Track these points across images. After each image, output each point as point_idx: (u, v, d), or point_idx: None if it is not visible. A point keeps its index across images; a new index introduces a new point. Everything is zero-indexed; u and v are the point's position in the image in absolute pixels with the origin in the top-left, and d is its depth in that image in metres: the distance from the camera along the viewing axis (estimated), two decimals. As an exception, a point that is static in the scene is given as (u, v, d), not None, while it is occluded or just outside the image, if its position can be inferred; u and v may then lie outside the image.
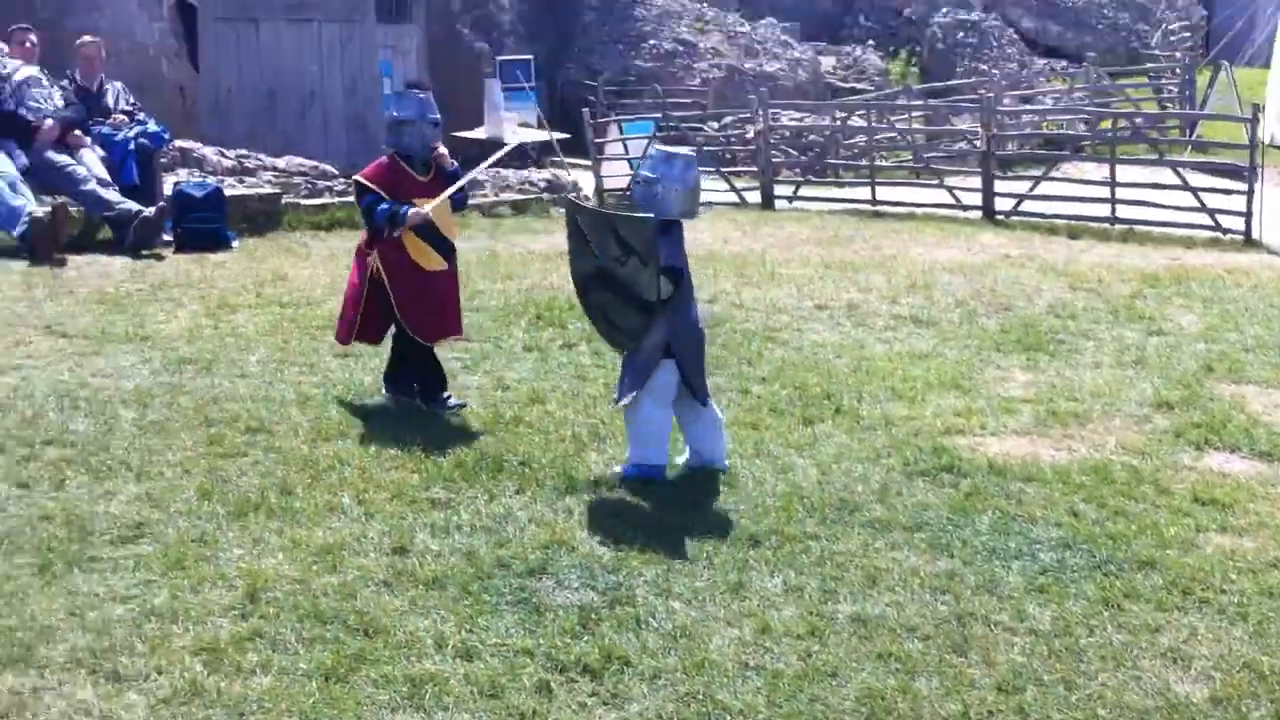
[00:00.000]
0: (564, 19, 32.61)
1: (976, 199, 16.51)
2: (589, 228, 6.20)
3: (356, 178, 7.24)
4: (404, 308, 7.04)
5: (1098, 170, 17.90)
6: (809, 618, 4.94)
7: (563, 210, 16.78)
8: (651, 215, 6.03)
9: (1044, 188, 16.55)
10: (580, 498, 6.02)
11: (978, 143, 18.08)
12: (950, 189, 17.12)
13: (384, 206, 6.91)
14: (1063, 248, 13.61)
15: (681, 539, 5.61)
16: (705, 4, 34.44)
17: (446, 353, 8.28)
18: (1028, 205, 16.20)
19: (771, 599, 5.09)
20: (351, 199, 14.27)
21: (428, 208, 6.94)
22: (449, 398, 7.25)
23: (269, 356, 8.04)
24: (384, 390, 7.33)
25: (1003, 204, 16.25)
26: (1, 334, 8.30)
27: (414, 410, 7.15)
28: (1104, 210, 15.63)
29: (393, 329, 7.23)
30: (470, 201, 15.93)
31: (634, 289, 6.02)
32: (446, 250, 7.21)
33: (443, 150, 7.18)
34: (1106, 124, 20.08)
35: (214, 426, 6.74)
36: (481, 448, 6.55)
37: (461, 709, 4.24)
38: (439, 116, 7.15)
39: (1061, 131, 21.60)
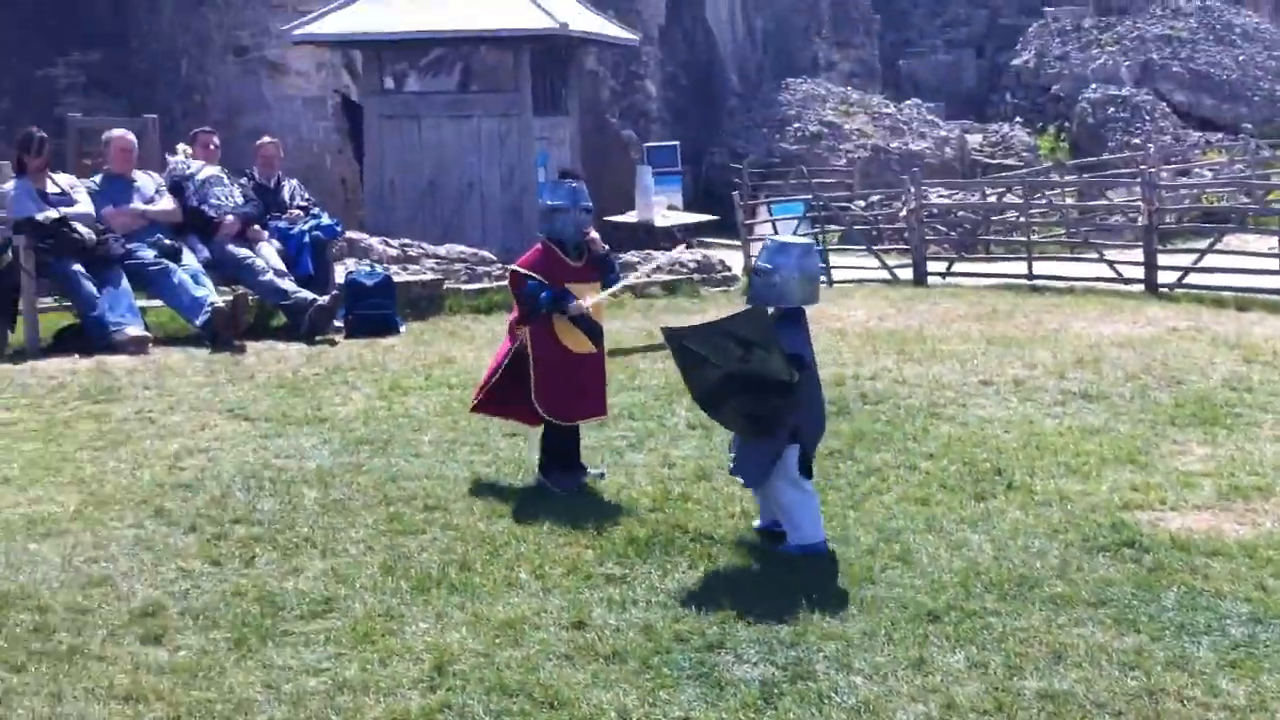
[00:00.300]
0: (709, 105, 33.12)
1: (1138, 272, 16.17)
2: (701, 344, 6.25)
3: (513, 267, 7.42)
4: (540, 389, 7.19)
5: (1261, 241, 17.40)
6: (995, 694, 4.86)
7: (710, 289, 16.99)
8: (755, 305, 6.29)
9: (1208, 260, 16.15)
10: (753, 573, 6.04)
11: (1135, 216, 17.77)
12: (1110, 263, 16.81)
13: (546, 294, 7.07)
14: (1232, 320, 13.23)
15: (858, 614, 5.58)
16: (850, 87, 34.64)
17: (612, 431, 8.43)
18: (1192, 278, 15.82)
19: (955, 674, 5.02)
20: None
21: (589, 301, 7.18)
22: (586, 467, 7.46)
23: (441, 437, 8.26)
24: (548, 483, 7.30)
25: (1165, 277, 15.89)
26: (189, 417, 8.69)
27: (582, 489, 7.25)
28: (1273, 282, 15.15)
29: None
30: (623, 283, 16.25)
31: (767, 377, 6.08)
32: (596, 334, 7.38)
33: (594, 235, 7.35)
34: (1274, 195, 19.53)
35: (393, 505, 6.93)
36: (653, 524, 6.62)
37: (649, 781, 4.27)
38: (590, 204, 7.35)
39: (1225, 204, 21.06)
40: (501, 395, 7.43)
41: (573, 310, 7.11)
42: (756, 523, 6.61)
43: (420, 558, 6.21)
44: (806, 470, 6.39)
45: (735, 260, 18.99)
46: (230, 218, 12.02)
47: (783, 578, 5.98)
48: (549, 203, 7.34)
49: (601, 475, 7.43)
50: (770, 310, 6.27)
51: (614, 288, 7.37)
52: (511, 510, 6.87)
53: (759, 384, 6.12)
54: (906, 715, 4.71)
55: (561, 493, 7.15)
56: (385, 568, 6.07)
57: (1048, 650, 5.23)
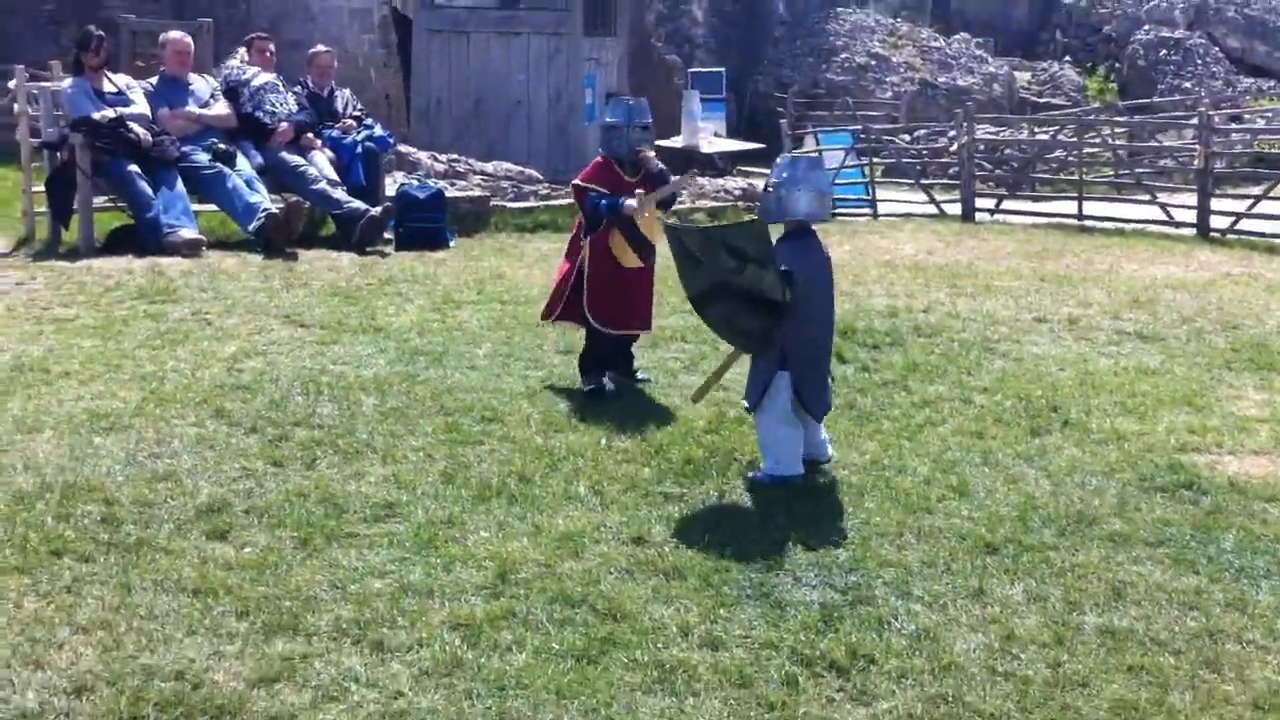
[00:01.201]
0: (755, 33, 32.74)
1: (1190, 216, 16.00)
2: (698, 248, 6.18)
3: (575, 181, 7.67)
4: (592, 300, 7.45)
5: (1318, 189, 17.18)
6: (1054, 627, 4.89)
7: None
8: (755, 218, 6.16)
9: (1262, 207, 15.96)
10: (810, 499, 6.06)
11: (1187, 159, 17.54)
12: (1163, 205, 16.63)
13: (605, 201, 7.35)
14: (1286, 267, 13.10)
15: (916, 543, 5.60)
16: (898, 19, 34.17)
17: (665, 352, 8.43)
18: (1244, 224, 15.65)
19: (1014, 606, 5.04)
20: (557, 202, 14.64)
21: (636, 202, 7.33)
22: (636, 370, 7.81)
23: (495, 350, 8.28)
24: (581, 379, 7.61)
25: (1217, 221, 15.72)
26: (245, 321, 8.73)
27: (638, 405, 7.28)
28: (1328, 230, 15.00)
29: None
30: (672, 206, 16.19)
31: (757, 293, 6.01)
32: (646, 251, 7.57)
33: (648, 153, 7.49)
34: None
35: (450, 415, 6.97)
36: (709, 445, 6.64)
37: (712, 696, 4.32)
38: (648, 121, 7.51)
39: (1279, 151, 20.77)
40: (570, 305, 7.61)
41: (628, 209, 7.30)
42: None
43: (479, 468, 6.25)
44: (817, 405, 6.28)
45: (781, 189, 18.85)
46: (284, 125, 11.99)
47: (839, 505, 6.00)
48: (607, 120, 7.58)
49: (646, 379, 7.77)
50: (781, 225, 6.20)
51: (664, 190, 7.44)
52: (568, 425, 6.90)
53: (748, 298, 6.06)
54: (966, 644, 4.74)
55: (583, 389, 7.48)
56: (445, 476, 6.12)
57: (1106, 587, 5.25)
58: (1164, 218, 16.44)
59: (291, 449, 6.39)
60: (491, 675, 4.38)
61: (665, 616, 4.84)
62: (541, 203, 14.98)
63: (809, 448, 6.35)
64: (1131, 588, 5.24)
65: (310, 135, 12.17)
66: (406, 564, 5.20)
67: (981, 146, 19.41)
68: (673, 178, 7.70)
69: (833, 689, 4.41)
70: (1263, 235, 15.14)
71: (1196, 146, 16.84)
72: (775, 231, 6.12)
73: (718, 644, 4.66)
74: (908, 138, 25.11)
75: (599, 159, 7.58)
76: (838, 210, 18.78)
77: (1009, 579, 5.27)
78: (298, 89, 12.57)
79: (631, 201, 7.31)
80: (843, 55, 31.58)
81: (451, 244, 12.20)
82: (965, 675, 4.51)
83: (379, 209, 11.65)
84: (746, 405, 6.43)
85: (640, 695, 4.31)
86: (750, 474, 6.28)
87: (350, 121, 12.58)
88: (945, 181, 20.36)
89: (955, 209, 17.91)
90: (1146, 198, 17.38)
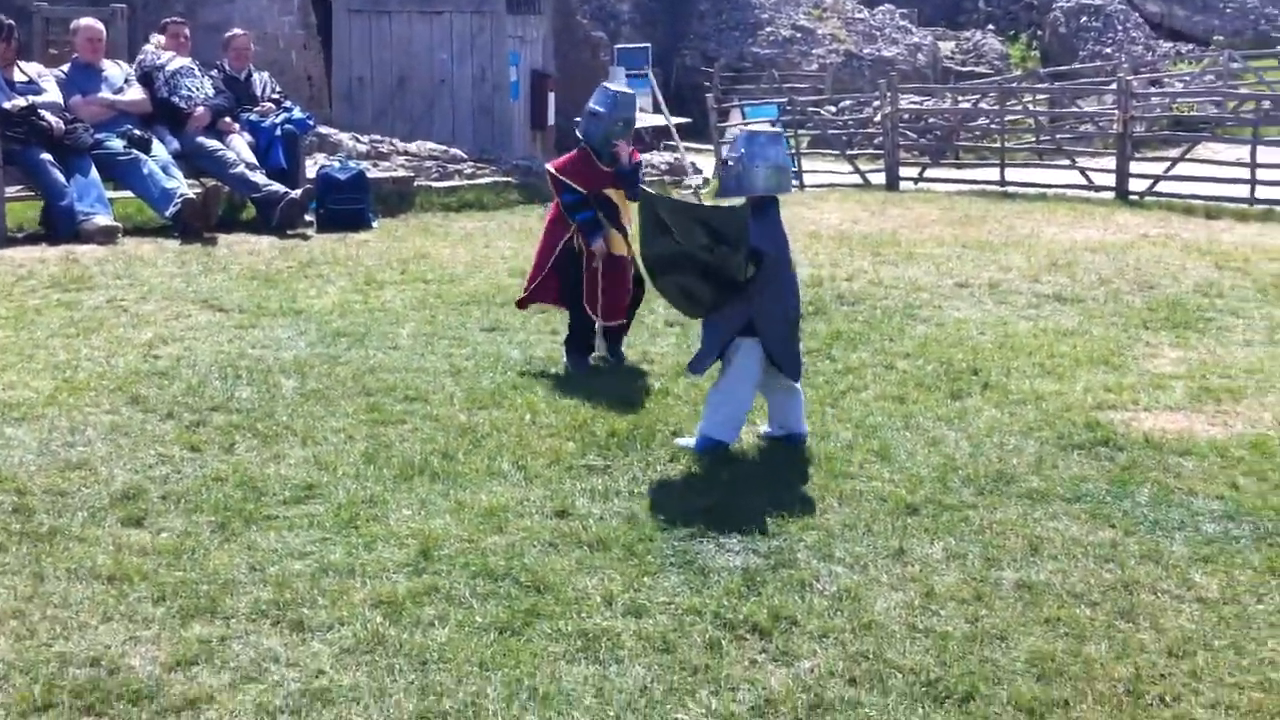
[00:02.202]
0: (679, 8, 32.74)
1: (1109, 179, 16.22)
2: (671, 216, 6.16)
3: (549, 168, 7.63)
4: (592, 289, 7.48)
5: (1232, 151, 17.49)
6: (973, 583, 4.94)
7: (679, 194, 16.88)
8: (744, 205, 6.07)
9: (1179, 169, 16.22)
10: (734, 467, 6.08)
11: (1107, 124, 17.77)
12: (1083, 170, 16.84)
13: (586, 214, 7.35)
14: (1202, 228, 13.33)
15: (838, 506, 5.64)
16: (823, -10, 34.30)
17: (590, 327, 8.41)
18: (1162, 186, 15.89)
19: (933, 565, 5.10)
20: (482, 181, 14.57)
21: (599, 248, 7.40)
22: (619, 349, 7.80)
23: (419, 330, 8.23)
24: (565, 358, 7.64)
25: (1136, 185, 15.96)
26: (162, 307, 8.60)
27: (562, 381, 7.26)
28: (1243, 191, 15.27)
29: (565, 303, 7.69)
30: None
31: (722, 271, 6.01)
32: (624, 236, 7.55)
33: (623, 148, 7.36)
34: (1249, 105, 19.56)
35: (372, 395, 6.92)
36: (634, 418, 6.64)
37: (636, 662, 4.33)
38: (631, 115, 7.46)
39: (1197, 113, 21.09)
40: (545, 285, 7.64)
41: (596, 248, 7.37)
42: (763, 429, 6.50)
43: (401, 447, 6.21)
44: (795, 368, 6.31)
45: (706, 163, 18.90)
46: (201, 109, 11.80)
47: (762, 472, 6.03)
48: (591, 106, 7.43)
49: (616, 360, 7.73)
50: (740, 201, 6.19)
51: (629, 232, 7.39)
52: (492, 402, 6.88)
53: (708, 273, 6.07)
54: (886, 602, 4.78)
55: (576, 373, 7.48)
56: (367, 456, 6.07)
57: (1024, 543, 5.32)
58: (1084, 182, 16.65)
59: (209, 434, 6.32)
60: (414, 651, 4.36)
61: (589, 587, 4.84)
62: (467, 181, 14.91)
63: (788, 424, 6.33)
64: (1048, 543, 5.31)
65: (227, 119, 12.00)
66: (327, 544, 5.16)
67: (906, 116, 19.56)
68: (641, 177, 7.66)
69: (755, 651, 4.44)
70: (1180, 197, 15.39)
71: (1116, 111, 17.06)
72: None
73: (641, 611, 4.67)
74: (833, 109, 25.23)
75: (577, 149, 7.51)
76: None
77: (929, 538, 5.33)
78: (214, 73, 12.38)
79: (600, 246, 7.38)
80: (768, 28, 31.68)
81: (374, 225, 12.10)
82: (886, 633, 4.56)
83: (299, 191, 11.53)
84: (690, 372, 6.46)
85: (564, 664, 4.31)
86: (678, 439, 6.28)
87: (269, 104, 12.43)
88: (870, 152, 20.49)
89: (880, 178, 18.04)
90: (1067, 163, 17.60)
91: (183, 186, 11.12)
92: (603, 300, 7.53)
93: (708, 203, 6.74)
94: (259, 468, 5.91)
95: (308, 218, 11.79)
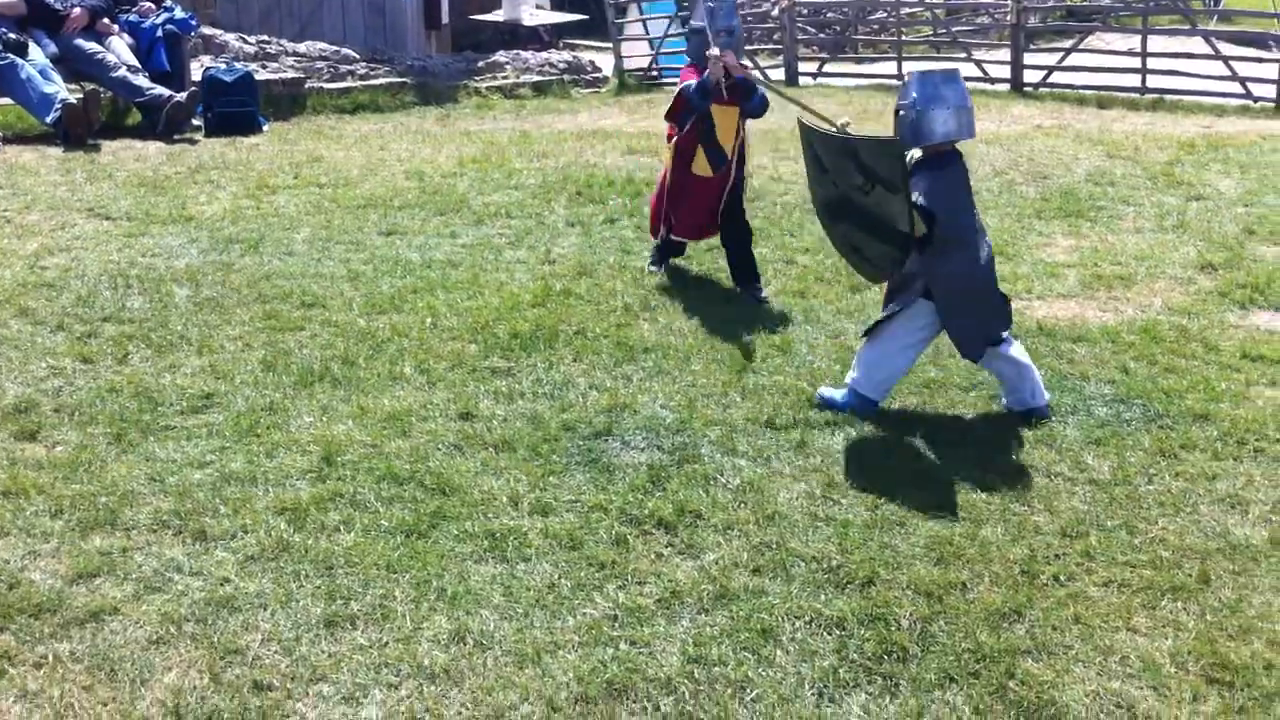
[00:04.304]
0: (575, -101, 32.03)
1: (1004, 71, 16.33)
2: (826, 154, 5.47)
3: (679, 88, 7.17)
4: (670, 204, 7.28)
5: (1124, 41, 17.69)
6: (873, 472, 5.03)
7: (592, 88, 16.68)
8: (896, 139, 5.27)
9: (1072, 59, 16.37)
10: (637, 365, 6.09)
11: (1002, 16, 17.83)
12: (978, 62, 16.93)
13: (694, 83, 6.93)
14: (1094, 118, 13.50)
15: (741, 401, 5.69)
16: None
17: (489, 229, 8.34)
18: (1055, 77, 16.04)
19: (834, 455, 5.18)
20: (376, 82, 14.26)
21: (711, 72, 6.82)
22: (759, 290, 7.23)
23: (314, 235, 8.08)
24: (651, 262, 7.54)
25: (1030, 76, 16.09)
26: (46, 217, 8.34)
27: (464, 286, 7.19)
28: (1133, 80, 15.47)
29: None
30: (492, 83, 15.92)
31: (884, 220, 5.26)
32: (718, 160, 7.17)
33: (728, 58, 6.88)
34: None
35: (268, 302, 6.80)
36: (536, 319, 6.61)
37: (543, 560, 4.35)
38: (733, 24, 7.03)
39: (1089, 3, 21.25)
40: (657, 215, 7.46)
41: (712, 76, 6.81)
42: (1003, 400, 5.72)
43: (301, 354, 6.12)
44: (970, 345, 5.46)
45: (605, 61, 18.68)
46: (78, 10, 11.34)
47: (666, 368, 6.05)
48: (691, 24, 7.16)
49: (764, 300, 7.15)
50: (916, 151, 5.36)
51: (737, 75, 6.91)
52: (392, 307, 6.80)
53: (873, 222, 5.35)
54: (789, 494, 4.85)
55: (649, 269, 7.46)
56: (265, 364, 5.98)
57: (922, 431, 5.41)
58: (980, 74, 16.74)
59: (101, 345, 6.17)
60: (319, 556, 4.34)
61: (494, 488, 4.85)
62: (360, 83, 14.58)
63: (1023, 396, 5.57)
64: (946, 430, 5.42)
65: (106, 20, 11.55)
66: (227, 453, 5.09)
67: (803, 11, 19.44)
68: (759, 86, 7.21)
69: (661, 545, 4.48)
70: (1073, 87, 15.56)
71: (1009, 2, 17.12)
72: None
73: (547, 510, 4.69)
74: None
75: (688, 65, 7.25)
76: (664, 80, 18.69)
77: (830, 430, 5.40)
78: (91, -29, 11.89)
79: (714, 67, 6.78)
80: (664, -78, 31.14)
81: (265, 128, 11.81)
82: (789, 523, 4.63)
83: (184, 94, 11.19)
84: (865, 331, 5.72)
85: (471, 564, 4.32)
86: (822, 392, 5.66)
87: (148, 4, 11.99)
88: (769, 47, 20.36)
89: (779, 74, 17.96)
90: (963, 55, 17.67)
91: (63, 91, 10.74)
92: (677, 214, 7.28)
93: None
94: (154, 378, 5.80)
95: (195, 121, 11.48)
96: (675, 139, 7.18)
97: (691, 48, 7.19)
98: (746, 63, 7.46)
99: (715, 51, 6.77)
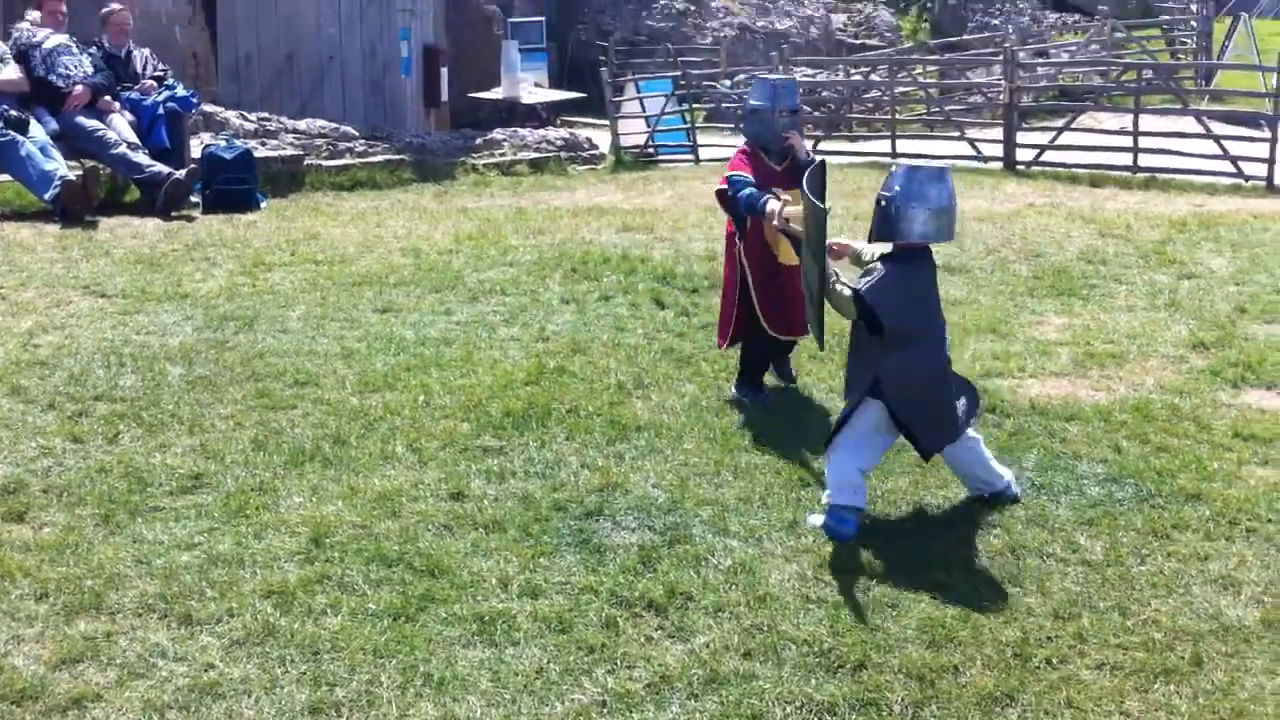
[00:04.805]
0: (573, -20, 32.49)
1: (997, 150, 16.48)
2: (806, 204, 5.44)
3: (726, 176, 6.71)
4: (762, 303, 6.67)
5: (1116, 120, 17.87)
6: (864, 553, 5.01)
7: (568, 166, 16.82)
8: (829, 207, 5.27)
9: (1064, 138, 16.53)
10: (630, 443, 6.09)
11: (995, 95, 18.04)
12: (971, 141, 17.10)
13: (749, 191, 6.41)
14: (1086, 196, 13.59)
15: (733, 481, 5.68)
16: (715, -37, 34.29)
17: (484, 306, 8.38)
18: (1048, 155, 16.19)
19: (826, 537, 5.15)
20: (375, 159, 14.38)
21: (776, 206, 6.23)
22: (791, 370, 7.05)
23: (309, 312, 8.10)
24: (735, 392, 6.80)
25: (1023, 154, 16.24)
26: (42, 294, 8.37)
27: (458, 364, 7.19)
28: (1125, 159, 15.61)
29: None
30: (489, 160, 16.05)
31: (810, 282, 5.37)
32: (796, 243, 6.33)
33: (797, 139, 6.59)
34: (1130, 75, 19.98)
35: (261, 380, 6.80)
36: (529, 397, 6.61)
37: (532, 643, 4.32)
38: (796, 104, 6.72)
39: (1081, 83, 21.52)
40: (741, 321, 6.79)
41: (769, 213, 6.25)
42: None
43: (292, 432, 6.12)
44: (930, 440, 5.29)
45: (602, 139, 18.85)
46: (80, 88, 11.45)
47: (659, 447, 6.04)
48: (751, 103, 6.74)
49: (794, 381, 7.02)
50: (887, 246, 5.27)
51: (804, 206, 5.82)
52: (385, 385, 6.80)
53: (808, 280, 5.41)
54: (781, 575, 4.83)
55: (750, 403, 6.69)
56: (256, 443, 5.97)
57: (912, 509, 5.40)
58: (973, 153, 16.90)
59: (92, 424, 6.17)
60: (306, 640, 4.31)
61: (484, 569, 4.82)
62: (358, 160, 14.69)
63: (979, 481, 5.46)
64: (936, 509, 5.40)
65: (108, 98, 11.67)
66: (215, 534, 5.07)
67: (802, 90, 19.67)
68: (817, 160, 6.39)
69: (652, 627, 4.45)
70: (1065, 165, 15.68)
71: (1002, 82, 17.32)
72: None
73: (537, 592, 4.66)
74: (728, 83, 25.28)
75: (744, 148, 6.72)
76: (660, 157, 18.86)
77: (822, 511, 5.37)
78: (93, 50, 12.02)
79: (774, 205, 6.25)
80: (662, 2, 31.58)
81: (263, 205, 11.88)
82: (780, 605, 4.60)
83: (183, 171, 11.27)
84: (827, 441, 5.44)
85: (459, 649, 4.29)
86: (810, 520, 5.31)
87: (150, 82, 12.12)
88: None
89: (774, 151, 18.11)
90: (956, 134, 17.85)
91: (62, 168, 10.81)
92: (776, 313, 6.65)
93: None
94: (144, 458, 5.79)
95: (193, 199, 11.54)
96: (742, 239, 6.66)
97: (749, 128, 6.73)
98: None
99: (775, 207, 6.20)
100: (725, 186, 6.60)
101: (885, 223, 5.16)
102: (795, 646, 4.33)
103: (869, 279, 5.16)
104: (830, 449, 5.31)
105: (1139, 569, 4.92)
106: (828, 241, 5.30)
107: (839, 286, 5.17)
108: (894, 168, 5.35)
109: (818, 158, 6.16)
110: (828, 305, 5.29)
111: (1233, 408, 6.69)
